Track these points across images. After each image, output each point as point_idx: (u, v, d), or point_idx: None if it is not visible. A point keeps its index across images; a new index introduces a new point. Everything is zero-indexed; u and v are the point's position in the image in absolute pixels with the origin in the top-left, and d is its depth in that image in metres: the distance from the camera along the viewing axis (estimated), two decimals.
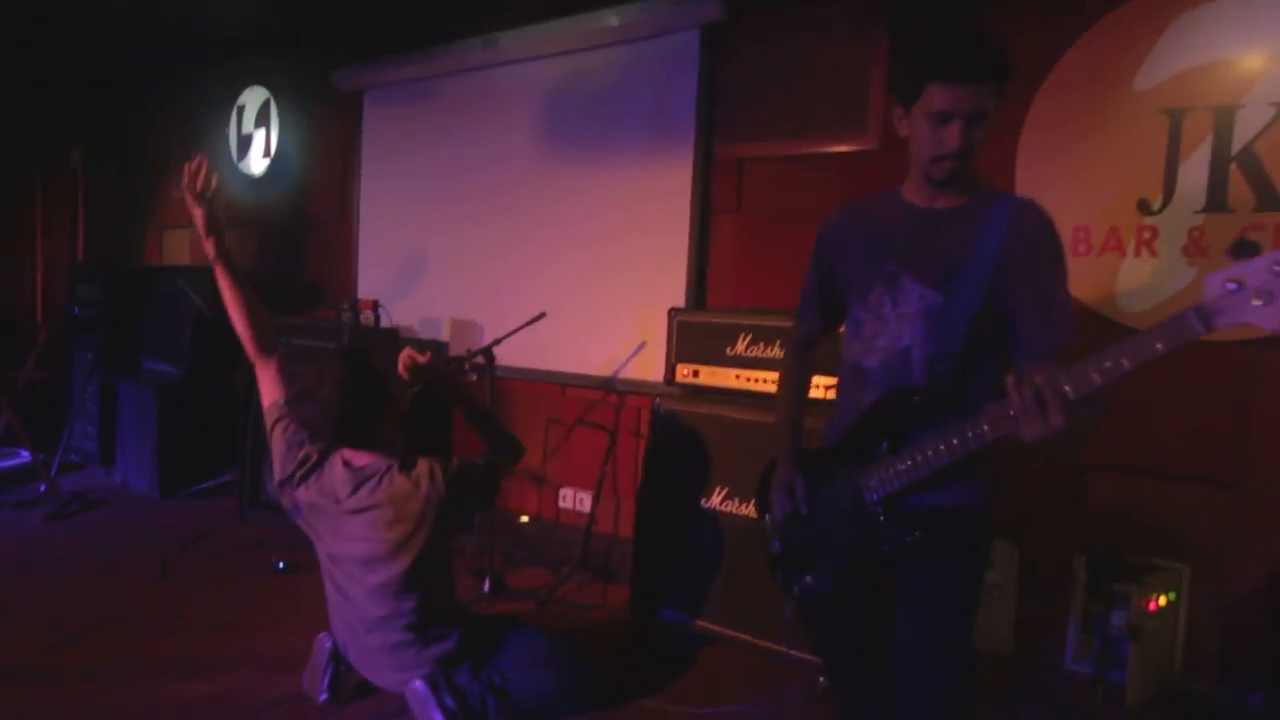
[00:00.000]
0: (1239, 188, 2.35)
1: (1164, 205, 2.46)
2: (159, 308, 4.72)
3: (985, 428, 1.32)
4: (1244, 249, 1.13)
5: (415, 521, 2.10)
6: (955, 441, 1.37)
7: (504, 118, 3.95)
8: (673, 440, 2.84)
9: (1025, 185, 2.68)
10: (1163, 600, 2.44)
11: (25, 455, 4.55)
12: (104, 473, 4.82)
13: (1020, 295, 1.41)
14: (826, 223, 1.70)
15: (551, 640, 2.35)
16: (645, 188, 3.50)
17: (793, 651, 2.31)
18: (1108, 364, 1.17)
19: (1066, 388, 1.19)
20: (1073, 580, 2.56)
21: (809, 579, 1.64)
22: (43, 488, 4.22)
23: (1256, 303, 1.07)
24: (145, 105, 5.86)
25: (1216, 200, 2.38)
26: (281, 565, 3.37)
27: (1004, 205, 1.45)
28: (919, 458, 1.42)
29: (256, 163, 5.05)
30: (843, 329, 1.67)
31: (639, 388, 3.49)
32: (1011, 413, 1.24)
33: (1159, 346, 1.14)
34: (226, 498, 4.34)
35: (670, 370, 2.94)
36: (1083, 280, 2.58)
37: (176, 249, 5.76)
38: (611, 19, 3.41)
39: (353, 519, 2.14)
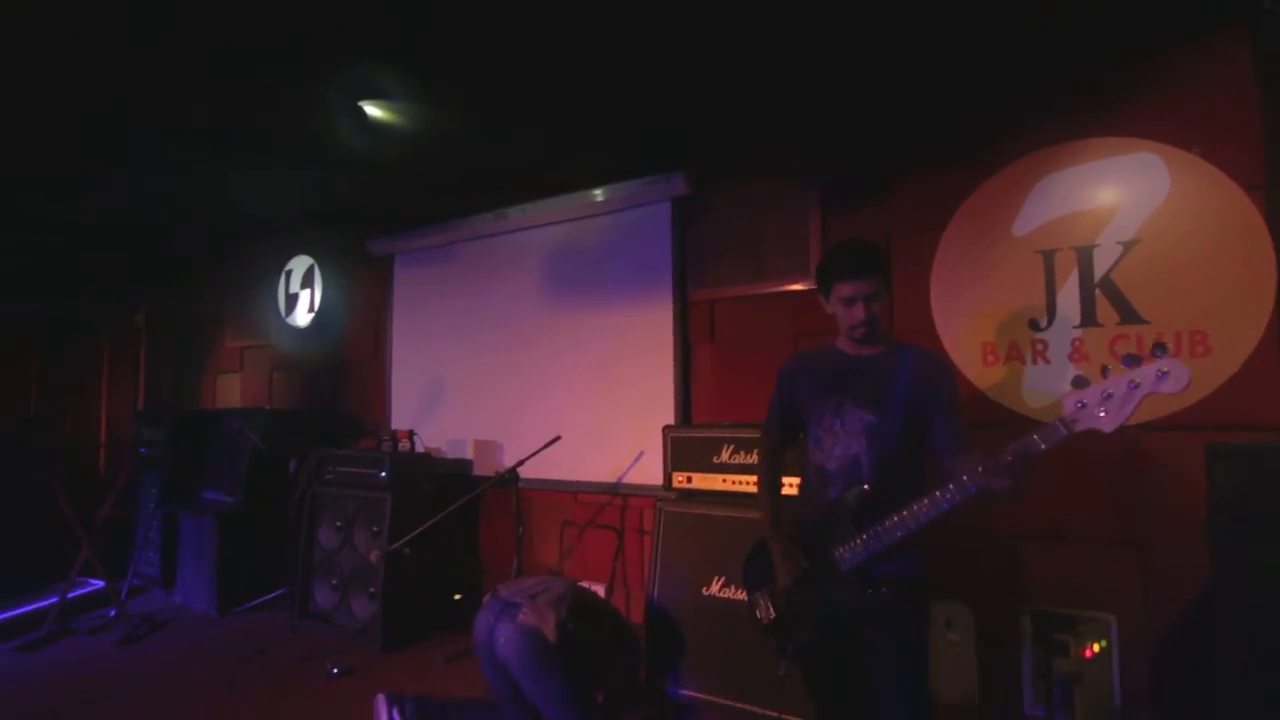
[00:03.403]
0: (1105, 308, 2.64)
1: (1049, 323, 2.74)
2: (218, 445, 4.77)
3: (980, 470, 1.60)
4: (1080, 381, 1.60)
5: None
6: (908, 517, 1.70)
7: (513, 273, 4.22)
8: (675, 538, 2.95)
9: (939, 312, 2.96)
10: (1096, 647, 2.54)
11: (95, 583, 4.48)
12: (164, 594, 4.73)
13: (934, 414, 1.80)
14: (784, 366, 2.08)
15: None
16: (634, 325, 3.73)
17: (784, 716, 2.39)
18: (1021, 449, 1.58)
19: (1042, 447, 1.56)
20: (1021, 635, 2.67)
21: (799, 637, 1.88)
22: (113, 613, 4.15)
23: (1100, 413, 1.53)
24: (205, 270, 6.09)
25: (1089, 318, 2.66)
26: (335, 670, 3.34)
27: (912, 353, 1.87)
28: (882, 534, 1.73)
29: (302, 317, 5.25)
30: (805, 442, 1.99)
31: (640, 490, 3.60)
32: (991, 471, 1.57)
33: (1041, 445, 1.56)
34: (276, 611, 4.29)
35: (668, 477, 3.08)
36: (994, 383, 2.82)
37: (228, 392, 5.86)
38: (599, 195, 3.74)
39: None
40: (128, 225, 5.26)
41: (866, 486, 1.79)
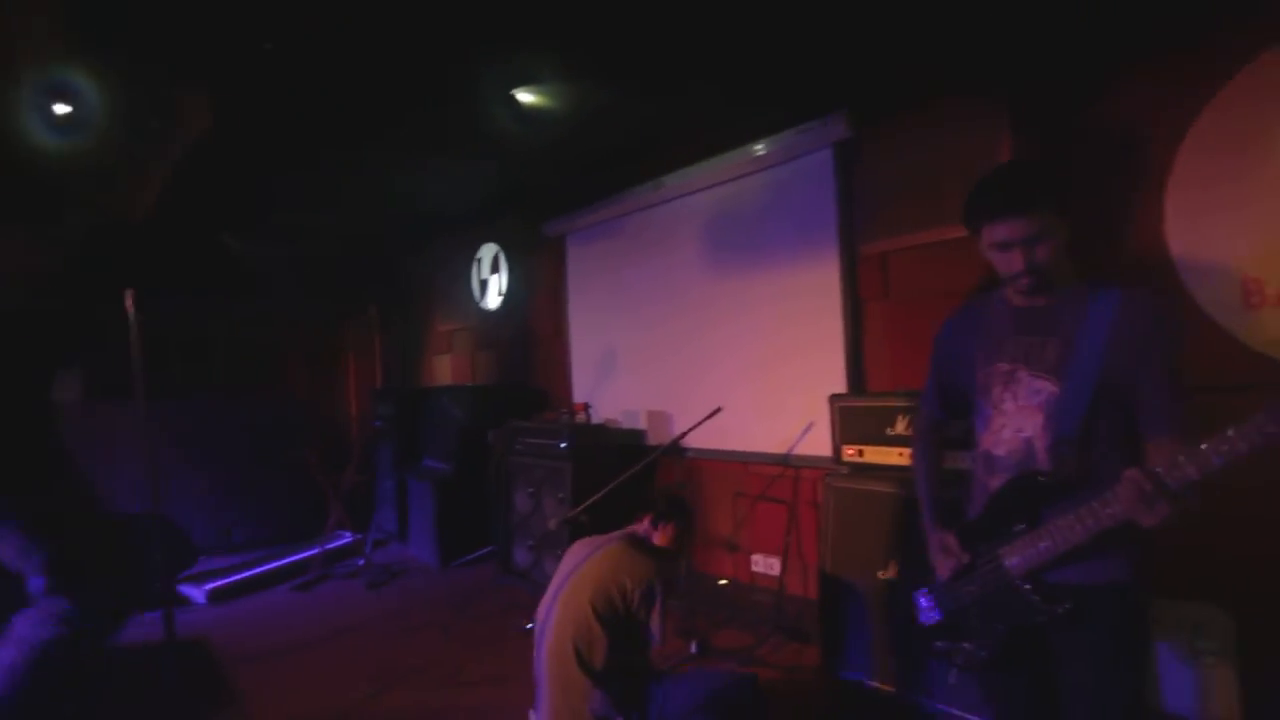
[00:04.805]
0: None
1: None
2: (432, 418, 5.37)
3: (1118, 508, 1.28)
4: None
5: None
6: (1090, 520, 1.33)
7: (674, 243, 4.15)
8: (845, 515, 2.73)
9: (1179, 240, 2.35)
10: None
11: (347, 536, 5.32)
12: (401, 547, 5.48)
13: (1141, 381, 1.35)
14: (941, 330, 1.74)
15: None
16: (799, 287, 3.48)
17: (968, 716, 2.13)
18: (1224, 448, 1.15)
19: (1168, 480, 1.19)
20: None
21: (968, 646, 1.58)
22: (360, 562, 4.88)
23: None
24: (417, 264, 6.85)
25: None
26: (530, 626, 3.60)
27: (1110, 298, 1.39)
28: (1056, 536, 1.38)
29: (492, 300, 5.68)
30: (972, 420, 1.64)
31: (811, 462, 3.39)
32: (1119, 504, 1.25)
33: (1272, 430, 1.11)
34: (485, 566, 4.77)
35: (837, 451, 2.85)
36: (1263, 331, 2.20)
37: (442, 370, 6.56)
38: (755, 150, 3.51)
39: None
40: (355, 230, 6.07)
41: (1043, 478, 1.41)
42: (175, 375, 5.68)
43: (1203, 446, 1.18)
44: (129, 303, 1.64)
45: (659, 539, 2.47)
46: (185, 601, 4.37)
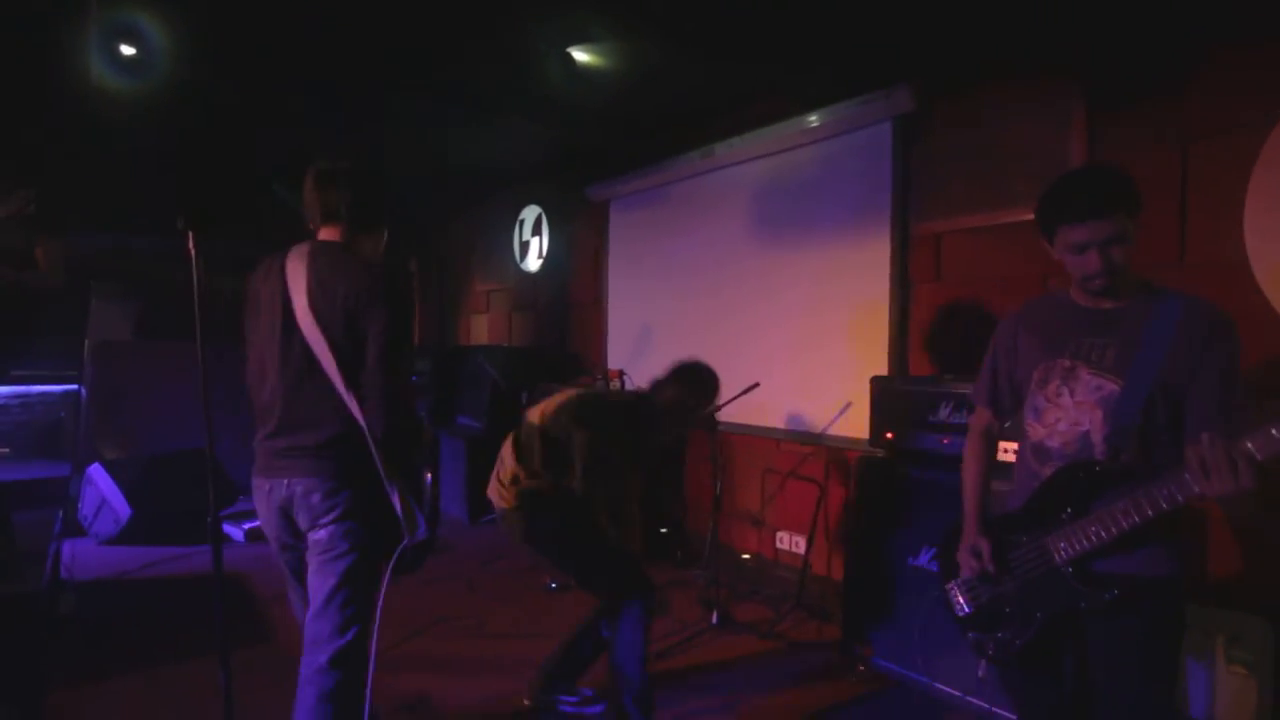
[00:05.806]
0: None
1: None
2: (467, 377, 5.44)
3: (1186, 477, 1.28)
4: None
5: None
6: (1145, 503, 1.33)
7: (720, 213, 4.09)
8: (881, 499, 2.70)
9: (1258, 236, 2.23)
10: None
11: None
12: None
13: (1195, 386, 1.39)
14: (1001, 328, 1.71)
15: None
16: (847, 265, 3.40)
17: (994, 709, 2.14)
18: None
19: (1250, 447, 1.19)
20: None
21: (1001, 635, 1.59)
22: None
23: None
24: (457, 221, 6.88)
25: None
26: (554, 586, 3.68)
27: (1173, 305, 1.43)
28: (1108, 520, 1.38)
29: (533, 262, 5.69)
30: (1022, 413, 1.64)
31: (846, 444, 3.36)
32: (1199, 471, 1.23)
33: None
34: None
35: (874, 433, 2.81)
36: None
37: (479, 330, 6.62)
38: (810, 121, 3.42)
39: None
40: (398, 185, 6.10)
41: (1098, 466, 1.43)
42: (220, 321, 5.84)
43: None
44: (190, 246, 1.67)
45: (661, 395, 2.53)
46: (226, 539, 4.54)
